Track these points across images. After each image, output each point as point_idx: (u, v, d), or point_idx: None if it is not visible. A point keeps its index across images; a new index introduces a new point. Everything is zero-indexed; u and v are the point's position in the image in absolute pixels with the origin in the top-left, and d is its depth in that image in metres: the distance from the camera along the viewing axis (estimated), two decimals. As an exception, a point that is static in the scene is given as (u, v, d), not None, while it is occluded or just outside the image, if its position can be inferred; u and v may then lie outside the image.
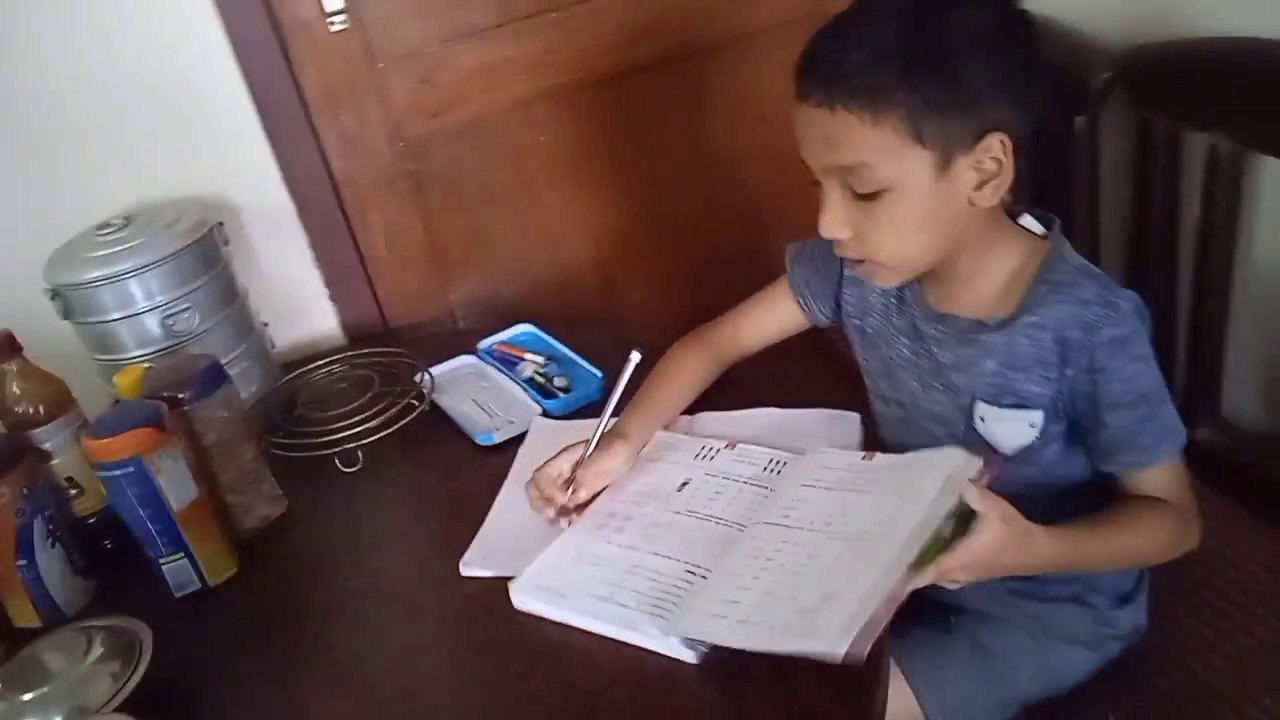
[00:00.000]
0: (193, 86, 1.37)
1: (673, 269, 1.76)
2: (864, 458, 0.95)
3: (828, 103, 0.85)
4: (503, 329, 1.43)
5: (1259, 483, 1.23)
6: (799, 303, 1.14)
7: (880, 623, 0.75)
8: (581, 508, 1.02)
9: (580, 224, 1.67)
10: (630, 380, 1.04)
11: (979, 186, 0.88)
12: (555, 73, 1.55)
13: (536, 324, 1.43)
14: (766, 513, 0.93)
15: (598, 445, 1.03)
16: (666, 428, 1.12)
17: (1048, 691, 1.06)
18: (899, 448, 1.06)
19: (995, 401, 0.96)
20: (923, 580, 0.80)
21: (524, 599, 0.94)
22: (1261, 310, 1.22)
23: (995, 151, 0.86)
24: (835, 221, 0.92)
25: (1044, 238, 0.96)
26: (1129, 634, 1.07)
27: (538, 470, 1.03)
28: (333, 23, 1.40)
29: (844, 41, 0.85)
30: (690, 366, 1.16)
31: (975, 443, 0.98)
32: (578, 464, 1.02)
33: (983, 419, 0.98)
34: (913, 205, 0.88)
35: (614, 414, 1.05)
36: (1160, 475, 0.93)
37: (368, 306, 1.57)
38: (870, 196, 0.88)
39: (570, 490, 1.00)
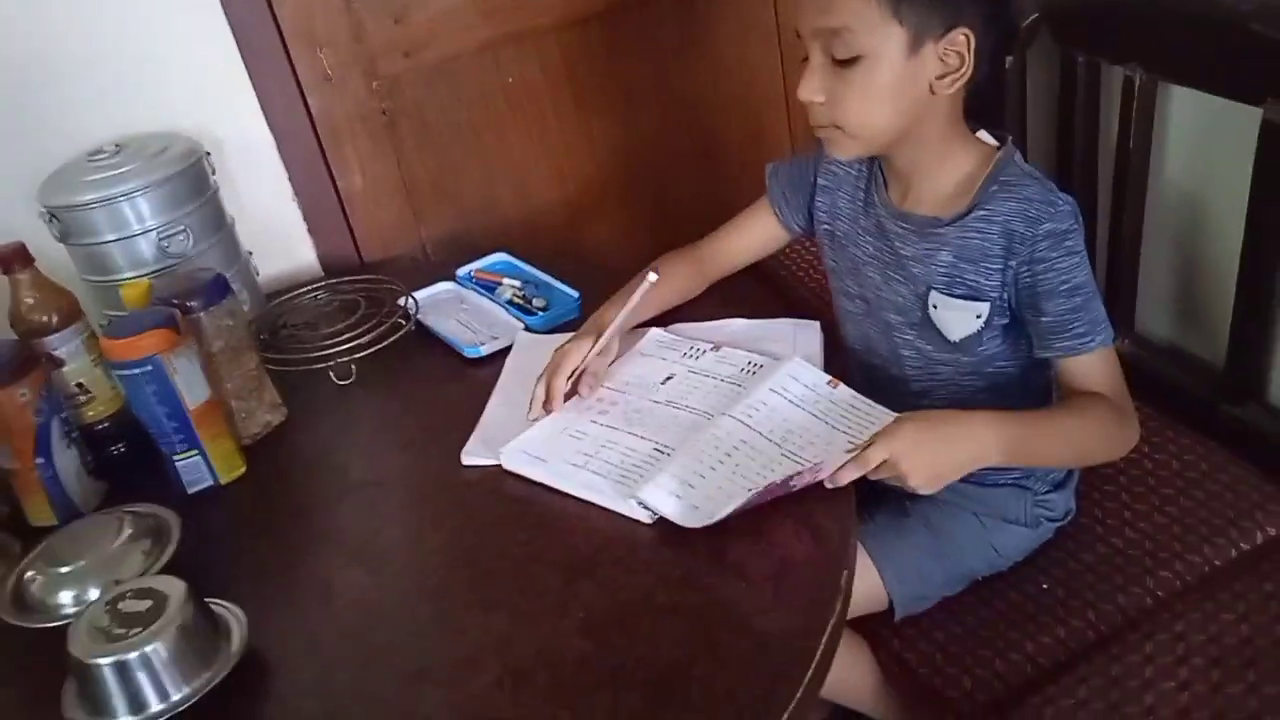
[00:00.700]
0: (175, 23, 1.41)
1: (635, 209, 1.85)
2: (829, 383, 1.06)
3: None
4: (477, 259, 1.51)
5: (1168, 389, 1.37)
6: (776, 214, 1.25)
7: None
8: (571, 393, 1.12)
9: (546, 164, 1.75)
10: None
11: (941, 76, 0.99)
12: (522, 15, 1.62)
13: (509, 251, 1.51)
14: (733, 407, 1.04)
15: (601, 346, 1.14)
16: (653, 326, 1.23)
17: (992, 567, 1.19)
18: (861, 340, 1.20)
19: (948, 291, 1.08)
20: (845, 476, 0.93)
21: (512, 460, 1.05)
22: (1172, 230, 1.36)
23: (959, 46, 0.98)
24: (813, 85, 1.01)
25: (996, 149, 1.07)
26: (1061, 515, 1.20)
27: (550, 369, 1.12)
28: (311, -39, 1.46)
29: None
30: (675, 276, 1.26)
31: (928, 329, 1.10)
32: (585, 359, 1.12)
33: (935, 306, 1.09)
34: (882, 76, 0.98)
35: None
36: (1095, 365, 1.04)
37: (344, 241, 1.63)
38: (847, 64, 0.98)
39: (579, 383, 1.11)
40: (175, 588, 0.85)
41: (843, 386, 1.05)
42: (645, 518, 0.95)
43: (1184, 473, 1.25)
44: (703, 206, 1.87)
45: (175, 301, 1.12)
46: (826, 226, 1.21)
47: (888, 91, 1.00)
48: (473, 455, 1.09)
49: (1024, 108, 1.42)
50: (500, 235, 1.72)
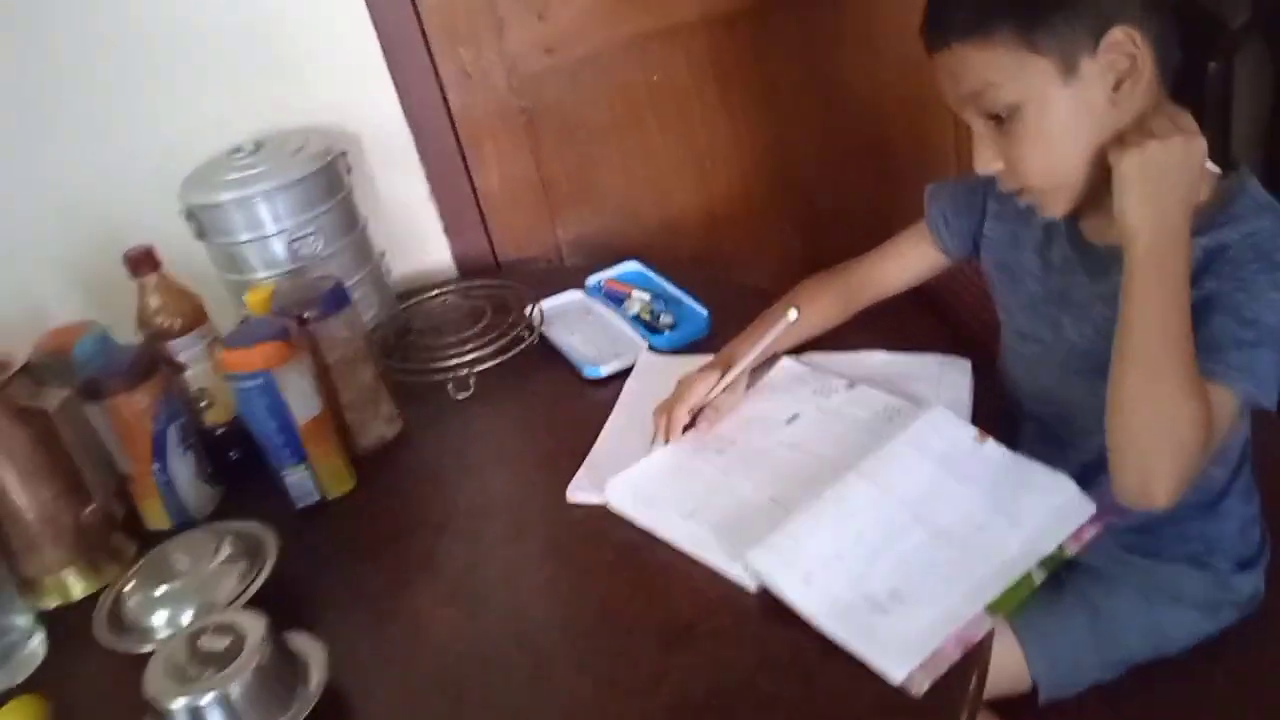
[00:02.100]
0: (319, 16, 1.40)
1: (782, 218, 1.74)
2: (975, 438, 0.94)
3: (944, 43, 0.88)
4: (610, 266, 1.44)
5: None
6: (935, 239, 1.13)
7: (947, 660, 0.76)
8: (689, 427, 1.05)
9: (690, 164, 1.66)
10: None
11: (1116, 86, 0.86)
12: (669, 10, 1.54)
13: (643, 261, 1.44)
14: (864, 461, 0.93)
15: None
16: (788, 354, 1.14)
17: (1157, 651, 1.04)
18: (1032, 385, 1.06)
19: None
20: None
21: (618, 501, 0.98)
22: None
23: (1124, 46, 0.84)
24: (986, 155, 0.91)
25: (1223, 177, 0.92)
26: (1247, 601, 1.04)
27: (674, 399, 1.06)
28: (455, -44, 1.42)
29: None
30: (819, 302, 1.16)
31: None
32: (712, 394, 1.05)
33: None
34: (1048, 117, 0.87)
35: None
36: (1217, 399, 0.84)
37: (479, 241, 1.60)
38: (1008, 119, 0.87)
39: (700, 418, 1.05)
40: (256, 626, 0.83)
41: (992, 441, 0.93)
42: (751, 584, 0.87)
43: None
44: (858, 217, 1.75)
45: (293, 312, 1.10)
46: (998, 257, 1.08)
47: (1061, 130, 0.87)
48: (579, 491, 1.03)
49: (1228, 120, 1.24)
50: (637, 240, 1.65)
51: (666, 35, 1.56)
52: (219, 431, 1.19)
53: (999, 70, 0.85)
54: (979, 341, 1.52)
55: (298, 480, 1.09)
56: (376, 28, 1.42)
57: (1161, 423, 0.84)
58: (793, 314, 1.06)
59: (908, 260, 1.17)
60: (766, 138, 1.68)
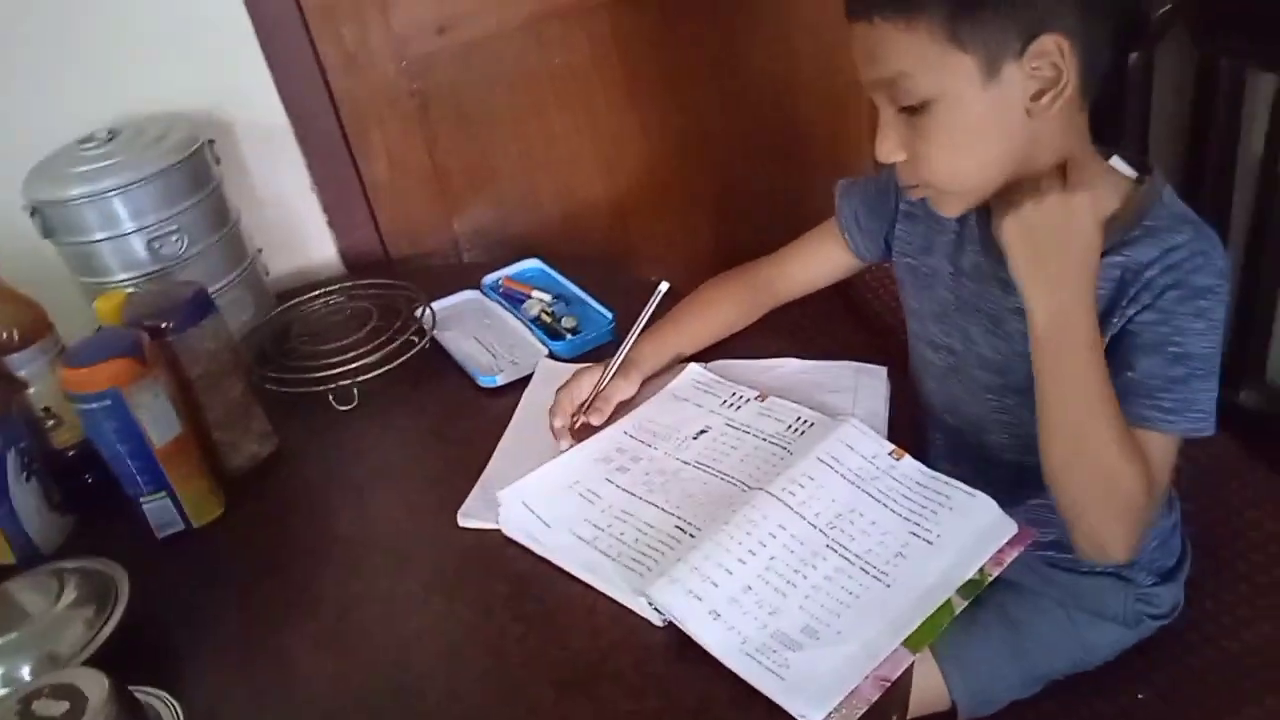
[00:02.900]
0: (183, -3, 1.28)
1: (693, 205, 1.67)
2: (891, 453, 0.88)
3: (866, 15, 0.80)
4: (509, 263, 1.35)
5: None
6: (846, 239, 1.07)
7: (865, 700, 0.71)
8: (588, 433, 0.98)
9: (594, 153, 1.58)
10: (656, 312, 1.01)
11: (1036, 96, 0.80)
12: (570, -10, 1.46)
13: (544, 259, 1.35)
14: (774, 480, 0.87)
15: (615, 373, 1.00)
16: (687, 360, 1.07)
17: (1076, 667, 1.01)
18: (943, 397, 1.01)
19: None
20: None
21: (510, 519, 0.91)
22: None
23: (1051, 55, 0.78)
24: (888, 144, 0.85)
25: (1137, 181, 0.87)
26: (1168, 612, 1.01)
27: (561, 390, 1.00)
28: (334, -74, 1.30)
29: None
30: (723, 303, 1.11)
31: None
32: (595, 390, 0.99)
33: None
34: (961, 117, 0.81)
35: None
36: (1155, 448, 0.83)
37: (368, 235, 1.49)
38: (918, 111, 0.81)
39: (583, 415, 0.98)
40: (98, 686, 0.72)
41: (908, 459, 0.88)
42: (656, 620, 0.80)
43: (1320, 563, 1.05)
44: (769, 209, 1.70)
45: (148, 322, 0.99)
46: (908, 260, 1.02)
47: (972, 132, 0.82)
48: (471, 517, 0.94)
49: (1147, 113, 1.20)
50: (540, 231, 1.57)
51: (569, 15, 1.47)
52: (70, 453, 1.07)
53: (918, 59, 0.79)
54: (898, 344, 1.50)
55: (157, 508, 0.98)
56: (247, 4, 1.30)
57: (1099, 488, 0.83)
58: (663, 285, 1.00)
59: (817, 260, 1.12)
60: (675, 125, 1.60)
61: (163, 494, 0.98)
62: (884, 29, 0.79)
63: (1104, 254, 0.84)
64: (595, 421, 0.98)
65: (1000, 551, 0.80)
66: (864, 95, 1.59)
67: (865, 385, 1.02)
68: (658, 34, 1.53)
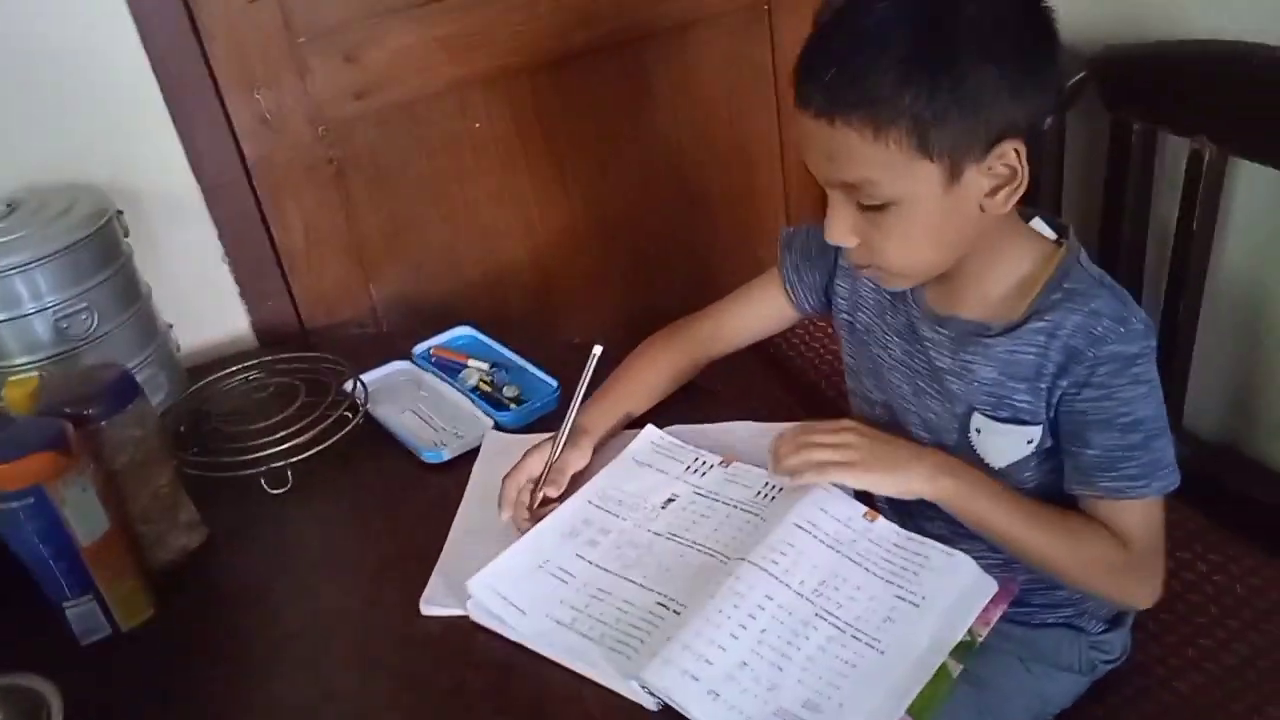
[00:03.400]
0: (86, 56, 1.21)
1: (611, 265, 1.67)
2: (865, 515, 0.88)
3: (826, 115, 0.78)
4: (436, 331, 1.31)
5: (1224, 495, 1.22)
6: (787, 292, 1.07)
7: None
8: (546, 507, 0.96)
9: (515, 217, 1.56)
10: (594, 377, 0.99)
11: (991, 193, 0.82)
12: (490, 55, 1.44)
13: (476, 326, 1.31)
14: (754, 550, 0.85)
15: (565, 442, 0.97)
16: (637, 422, 1.06)
17: (1036, 718, 1.02)
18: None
19: (992, 414, 0.91)
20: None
21: (481, 609, 0.86)
22: (1231, 318, 1.21)
23: (1009, 158, 0.80)
24: (841, 229, 0.85)
25: (1056, 243, 0.90)
26: (1117, 656, 1.04)
27: (508, 477, 0.96)
28: (249, -10, 1.26)
29: (842, 45, 0.77)
30: (661, 362, 1.10)
31: (965, 453, 0.93)
32: (547, 464, 0.96)
33: (978, 430, 0.92)
34: (921, 217, 0.82)
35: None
36: (1132, 512, 0.87)
37: (282, 305, 1.43)
38: (877, 209, 0.82)
39: (540, 493, 0.95)
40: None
41: (881, 520, 0.88)
42: (650, 704, 0.77)
43: (1252, 600, 1.10)
44: (685, 268, 1.72)
45: (69, 410, 0.91)
46: (846, 316, 1.04)
47: (930, 230, 0.83)
48: (434, 604, 0.90)
49: (1060, 177, 1.26)
50: (459, 297, 1.54)
51: (488, 81, 1.45)
52: (-27, 557, 0.97)
53: (883, 168, 0.78)
54: (823, 399, 1.52)
55: (82, 614, 0.90)
56: (155, 69, 1.24)
57: (1081, 574, 0.89)
58: (597, 349, 0.99)
59: (757, 312, 1.11)
60: (595, 188, 1.60)
61: (89, 597, 0.90)
62: (847, 134, 0.77)
63: (1027, 319, 0.87)
64: (553, 493, 0.95)
65: (986, 611, 0.81)
66: (771, 159, 1.62)
67: None
68: (577, 99, 1.53)
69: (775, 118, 1.69)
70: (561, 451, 0.97)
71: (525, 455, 0.98)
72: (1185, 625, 1.09)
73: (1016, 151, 0.79)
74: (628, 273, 1.68)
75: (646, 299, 1.69)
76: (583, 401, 0.99)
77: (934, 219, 0.82)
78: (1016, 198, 0.82)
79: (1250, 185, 1.12)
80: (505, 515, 0.95)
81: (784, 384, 1.54)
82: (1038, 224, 0.92)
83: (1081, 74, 1.16)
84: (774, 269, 1.09)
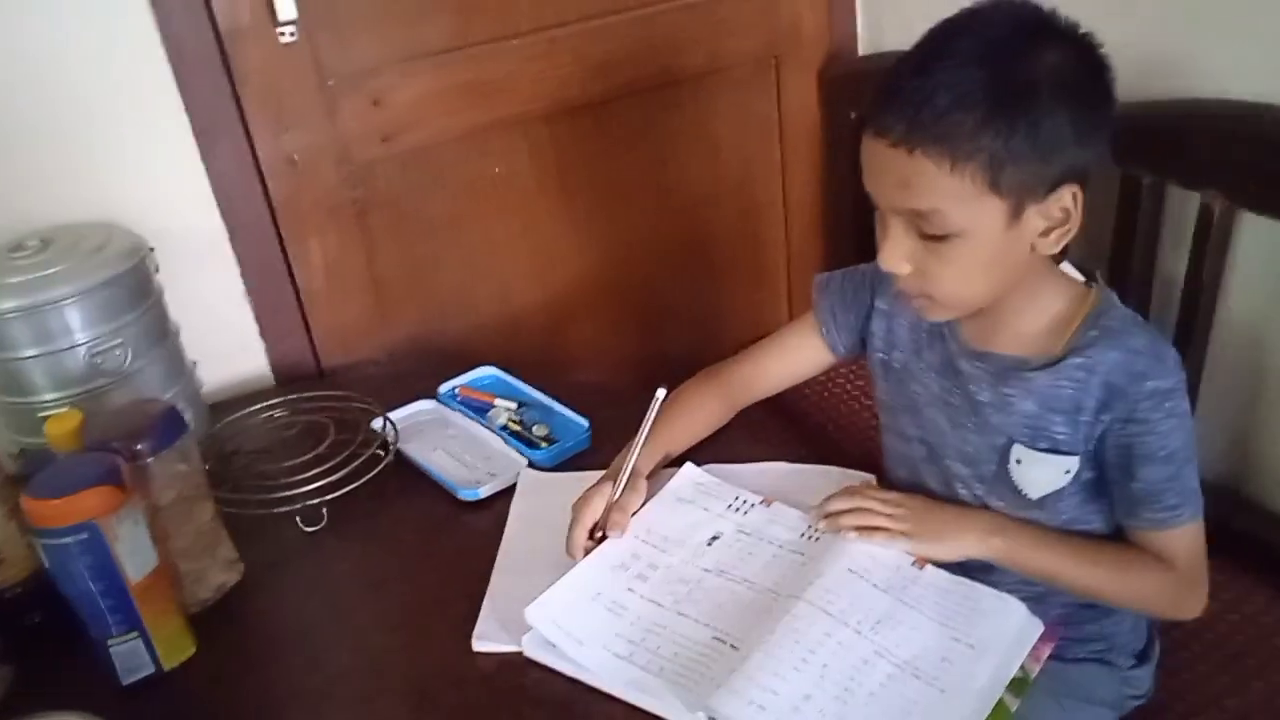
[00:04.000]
0: (120, 94, 1.22)
1: (622, 309, 1.69)
2: (914, 564, 0.91)
3: (906, 144, 0.82)
4: (450, 371, 1.31)
5: (1228, 536, 1.25)
6: (823, 334, 1.10)
7: None
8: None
9: (531, 259, 1.58)
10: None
11: (1045, 233, 0.86)
12: (511, 102, 1.47)
13: (499, 366, 1.33)
14: (807, 589, 0.87)
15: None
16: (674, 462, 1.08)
17: (1070, 756, 1.04)
18: (915, 487, 1.04)
19: (1031, 444, 0.94)
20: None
21: (537, 641, 0.87)
22: (1234, 367, 1.25)
23: (1065, 202, 0.84)
24: (897, 256, 0.88)
25: (1085, 284, 0.95)
26: (1145, 693, 1.06)
27: (575, 523, 0.97)
28: (283, 33, 1.27)
29: (928, 82, 0.80)
30: (703, 404, 1.12)
31: (1002, 484, 0.96)
32: (609, 505, 0.98)
33: (1019, 461, 0.95)
34: (980, 251, 0.85)
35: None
36: (1177, 538, 0.93)
37: (300, 344, 1.43)
38: (939, 239, 0.85)
39: (606, 526, 0.97)
40: None
41: (930, 568, 0.90)
42: (715, 737, 0.78)
43: (1268, 638, 1.13)
44: (694, 313, 1.75)
45: (116, 445, 0.91)
46: (881, 355, 1.07)
47: (986, 265, 0.87)
48: (486, 640, 0.90)
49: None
50: (474, 340, 1.55)
51: (509, 126, 1.48)
52: (9, 594, 0.96)
53: (955, 200, 0.82)
54: (828, 442, 1.54)
55: (127, 651, 0.89)
56: (188, 109, 1.25)
57: (1136, 601, 0.97)
58: (661, 392, 1.00)
59: (795, 356, 1.14)
60: (607, 233, 1.63)
61: (135, 635, 0.89)
62: (924, 164, 0.81)
63: (1065, 356, 0.91)
64: (615, 535, 0.96)
65: (1036, 649, 0.83)
66: (775, 208, 1.65)
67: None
68: (593, 145, 1.56)
69: (779, 168, 1.74)
70: (626, 494, 0.98)
71: (585, 498, 0.98)
72: (1202, 663, 1.12)
73: (1074, 196, 0.84)
74: (638, 317, 1.71)
75: (656, 344, 1.72)
76: (628, 443, 1.01)
77: (991, 253, 0.85)
78: (1068, 239, 0.86)
79: (1256, 238, 1.17)
80: (578, 561, 0.95)
81: (792, 428, 1.56)
82: (1067, 268, 0.97)
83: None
84: (809, 314, 1.12)
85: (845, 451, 1.49)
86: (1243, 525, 1.27)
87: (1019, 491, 0.96)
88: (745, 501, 1.01)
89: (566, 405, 1.22)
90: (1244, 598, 1.17)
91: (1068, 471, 0.94)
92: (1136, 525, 0.94)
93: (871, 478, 1.06)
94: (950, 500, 1.01)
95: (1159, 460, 0.90)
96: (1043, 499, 0.96)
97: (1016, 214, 0.84)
